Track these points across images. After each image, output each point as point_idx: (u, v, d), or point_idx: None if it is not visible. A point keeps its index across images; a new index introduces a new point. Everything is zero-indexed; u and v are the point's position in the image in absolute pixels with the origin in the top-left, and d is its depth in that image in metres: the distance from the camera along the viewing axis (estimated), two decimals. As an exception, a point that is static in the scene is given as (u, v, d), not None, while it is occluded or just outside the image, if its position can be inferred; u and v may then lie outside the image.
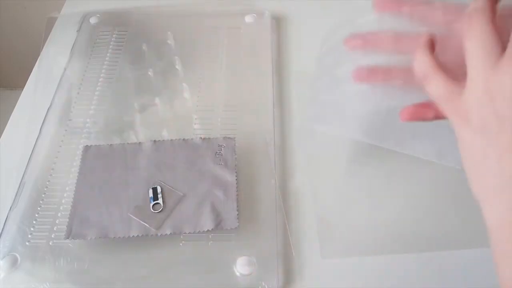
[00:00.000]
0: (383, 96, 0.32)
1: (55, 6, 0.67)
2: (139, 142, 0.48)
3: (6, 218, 0.44)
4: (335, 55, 0.37)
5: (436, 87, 0.29)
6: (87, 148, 0.48)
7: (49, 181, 0.47)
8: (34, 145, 0.50)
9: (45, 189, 0.46)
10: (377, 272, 0.41)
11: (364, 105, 0.34)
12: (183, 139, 0.48)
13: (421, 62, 0.30)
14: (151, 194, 0.44)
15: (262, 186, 0.46)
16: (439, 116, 0.31)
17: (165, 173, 0.45)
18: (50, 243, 0.42)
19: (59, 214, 0.44)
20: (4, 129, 0.53)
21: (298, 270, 0.41)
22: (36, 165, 0.48)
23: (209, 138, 0.48)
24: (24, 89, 0.57)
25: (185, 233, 0.42)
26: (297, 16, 0.63)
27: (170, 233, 0.41)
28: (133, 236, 0.41)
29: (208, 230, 0.41)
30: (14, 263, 0.41)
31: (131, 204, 0.43)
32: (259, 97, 0.53)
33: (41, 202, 0.45)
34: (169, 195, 0.44)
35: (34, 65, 0.59)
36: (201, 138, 0.48)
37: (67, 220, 0.43)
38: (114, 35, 0.61)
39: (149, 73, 0.57)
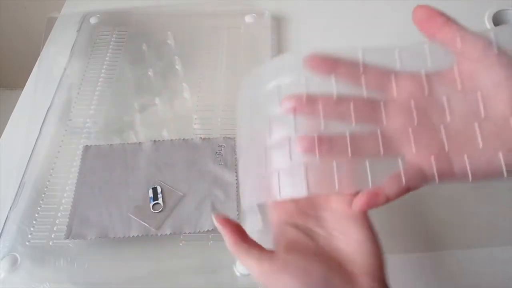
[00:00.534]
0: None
1: (55, 6, 0.67)
2: (139, 142, 0.48)
3: (6, 218, 0.44)
4: (264, 121, 0.30)
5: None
6: (87, 148, 0.48)
7: (49, 181, 0.47)
8: (34, 145, 0.50)
9: (45, 189, 0.46)
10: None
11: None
12: (183, 139, 0.48)
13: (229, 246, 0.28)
14: (151, 194, 0.44)
15: (262, 186, 0.46)
16: (390, 199, 0.27)
17: (165, 173, 0.45)
18: (50, 243, 0.42)
19: (59, 214, 0.44)
20: (4, 129, 0.53)
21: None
22: (36, 165, 0.48)
23: (209, 138, 0.48)
24: (24, 89, 0.57)
25: (185, 233, 0.42)
26: (297, 16, 0.63)
27: (170, 233, 0.41)
28: (133, 236, 0.41)
29: (208, 230, 0.41)
30: (14, 263, 0.41)
31: (131, 204, 0.43)
32: (259, 97, 0.53)
33: (41, 202, 0.45)
34: (169, 195, 0.44)
35: (34, 65, 0.59)
36: (201, 138, 0.48)
37: (67, 220, 0.43)
38: (114, 35, 0.61)
39: (149, 73, 0.57)
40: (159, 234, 0.41)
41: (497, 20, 0.60)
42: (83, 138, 0.50)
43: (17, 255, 0.41)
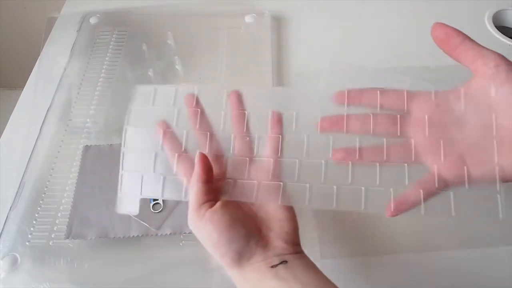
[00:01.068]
0: None
1: (55, 6, 0.67)
2: (139, 142, 0.48)
3: (6, 218, 0.44)
4: None
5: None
6: (87, 148, 0.48)
7: (49, 181, 0.47)
8: (34, 145, 0.50)
9: (45, 189, 0.46)
10: (377, 272, 0.41)
11: None
12: (183, 139, 0.48)
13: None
14: (151, 194, 0.44)
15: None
16: (416, 203, 0.31)
17: (165, 173, 0.45)
18: (50, 243, 0.42)
19: (59, 214, 0.44)
20: (4, 129, 0.53)
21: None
22: (36, 165, 0.48)
23: (209, 138, 0.48)
24: (24, 89, 0.57)
25: (185, 233, 0.42)
26: (297, 16, 0.63)
27: (170, 233, 0.41)
28: (133, 236, 0.41)
29: (208, 230, 0.41)
30: (14, 263, 0.41)
31: (131, 204, 0.43)
32: (259, 97, 0.53)
33: (41, 202, 0.45)
34: (169, 195, 0.44)
35: (34, 65, 0.59)
36: (201, 138, 0.48)
37: (67, 220, 0.43)
38: (114, 35, 0.61)
39: (149, 73, 0.57)
40: (159, 234, 0.41)
41: (497, 20, 0.60)
42: (83, 138, 0.50)
43: (17, 255, 0.41)
